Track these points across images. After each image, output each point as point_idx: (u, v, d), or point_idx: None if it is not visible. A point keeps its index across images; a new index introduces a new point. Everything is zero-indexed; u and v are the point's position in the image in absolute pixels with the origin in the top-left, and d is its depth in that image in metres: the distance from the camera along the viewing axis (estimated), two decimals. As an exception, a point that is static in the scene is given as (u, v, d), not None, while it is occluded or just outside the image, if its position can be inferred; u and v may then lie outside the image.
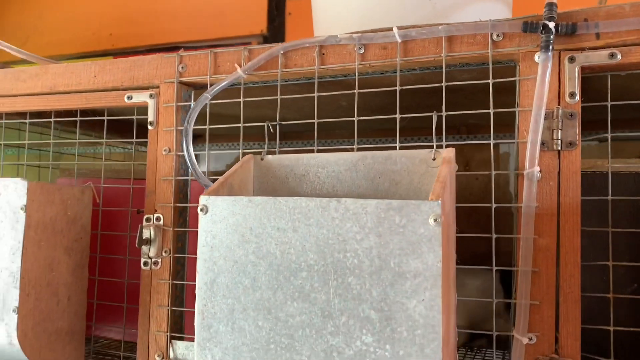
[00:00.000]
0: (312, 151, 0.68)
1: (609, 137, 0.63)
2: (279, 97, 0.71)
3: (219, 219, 0.59)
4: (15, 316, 0.72)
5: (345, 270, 0.54)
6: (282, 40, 1.70)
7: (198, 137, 0.90)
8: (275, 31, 1.73)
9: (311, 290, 0.55)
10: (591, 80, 0.61)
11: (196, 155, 0.76)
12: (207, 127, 0.75)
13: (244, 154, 0.70)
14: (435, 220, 0.51)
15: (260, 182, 0.71)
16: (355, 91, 0.68)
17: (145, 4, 1.91)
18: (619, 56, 0.58)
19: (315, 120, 0.70)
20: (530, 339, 0.59)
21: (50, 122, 0.88)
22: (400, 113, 0.66)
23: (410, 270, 0.51)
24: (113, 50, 1.94)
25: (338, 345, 0.54)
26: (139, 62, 0.80)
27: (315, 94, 0.70)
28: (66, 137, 1.11)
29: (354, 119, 0.68)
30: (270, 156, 0.70)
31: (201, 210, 0.59)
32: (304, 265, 0.55)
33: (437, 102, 0.68)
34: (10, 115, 0.93)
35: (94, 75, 0.82)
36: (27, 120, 0.90)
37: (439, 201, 0.50)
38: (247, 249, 0.58)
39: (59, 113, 0.88)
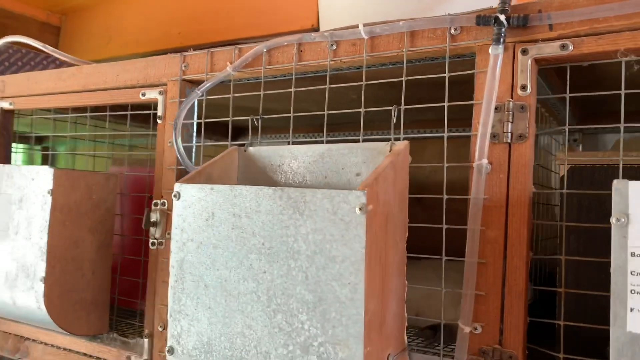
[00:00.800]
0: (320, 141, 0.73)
1: (567, 129, 0.61)
2: (262, 92, 0.77)
3: (189, 204, 0.65)
4: (42, 285, 0.84)
5: (287, 253, 0.58)
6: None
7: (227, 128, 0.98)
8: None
9: (259, 271, 0.60)
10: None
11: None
12: (203, 120, 0.82)
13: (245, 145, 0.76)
14: (360, 209, 0.54)
15: (244, 172, 0.77)
16: (326, 86, 0.72)
17: (210, 3, 2.03)
18: (571, 47, 0.57)
19: (291, 114, 0.75)
20: (475, 329, 0.60)
21: (103, 115, 0.99)
22: (390, 105, 0.68)
23: (339, 255, 0.55)
24: (181, 47, 2.08)
25: (280, 322, 0.58)
26: (151, 62, 0.89)
27: (292, 90, 0.74)
28: (117, 128, 1.24)
29: (324, 112, 0.72)
30: (252, 148, 0.76)
31: (174, 196, 0.66)
32: (254, 249, 0.60)
33: (424, 95, 0.70)
34: (58, 110, 1.06)
35: (116, 74, 0.92)
36: (69, 115, 1.03)
37: (365, 191, 0.53)
38: (209, 232, 0.64)
39: (97, 108, 0.99)
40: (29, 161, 2.07)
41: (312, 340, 0.56)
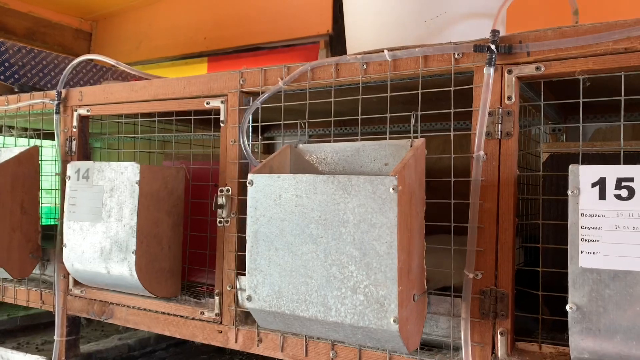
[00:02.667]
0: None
1: (542, 127, 0.83)
2: (307, 101, 0.98)
3: (260, 189, 0.87)
4: (134, 256, 1.06)
5: (338, 223, 0.80)
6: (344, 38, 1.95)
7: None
8: (339, 30, 1.98)
9: (317, 237, 0.82)
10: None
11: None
12: (259, 123, 1.04)
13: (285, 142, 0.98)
14: (393, 189, 0.75)
15: (295, 164, 0.98)
16: (359, 96, 0.93)
17: (232, 10, 2.24)
18: (543, 68, 0.79)
19: (332, 118, 0.97)
20: (476, 276, 0.82)
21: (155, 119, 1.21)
22: (404, 105, 0.90)
23: (377, 223, 0.77)
24: (207, 51, 2.29)
25: (335, 272, 0.80)
26: (214, 77, 1.10)
27: (332, 99, 0.96)
28: (169, 128, 1.45)
29: (358, 117, 0.94)
30: (301, 145, 0.98)
31: (248, 183, 0.88)
32: (313, 220, 0.82)
33: (431, 96, 0.91)
34: (127, 115, 1.28)
35: (183, 87, 1.14)
36: (139, 119, 1.24)
37: (396, 176, 0.75)
38: (277, 209, 0.85)
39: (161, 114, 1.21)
40: (106, 158, 2.28)
41: (359, 284, 0.78)
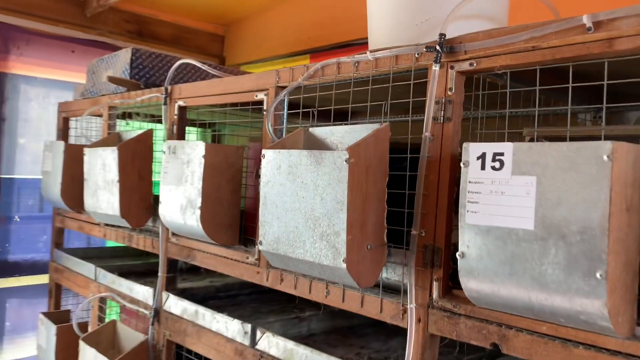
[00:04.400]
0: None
1: (471, 114, 0.99)
2: (317, 94, 1.24)
3: (269, 161, 1.16)
4: (199, 211, 1.41)
5: (314, 186, 1.06)
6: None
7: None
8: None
9: (301, 197, 1.08)
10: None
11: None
12: (284, 110, 1.32)
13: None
14: (346, 161, 0.99)
15: (306, 142, 1.25)
16: (350, 89, 1.17)
17: (330, 13, 2.53)
18: (475, 64, 0.96)
19: (332, 107, 1.21)
20: (421, 233, 1.02)
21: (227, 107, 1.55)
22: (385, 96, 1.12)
23: (336, 187, 1.01)
24: (309, 49, 2.62)
25: (310, 224, 1.06)
26: (261, 75, 1.40)
27: (333, 92, 1.20)
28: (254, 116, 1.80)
29: (349, 106, 1.17)
30: (312, 128, 1.24)
31: (262, 156, 1.17)
32: (299, 184, 1.09)
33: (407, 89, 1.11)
34: (206, 105, 1.65)
35: (242, 83, 1.46)
36: (227, 108, 1.60)
37: (348, 151, 0.98)
38: (279, 176, 1.13)
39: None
40: (202, 139, 2.76)
41: (324, 232, 1.03)
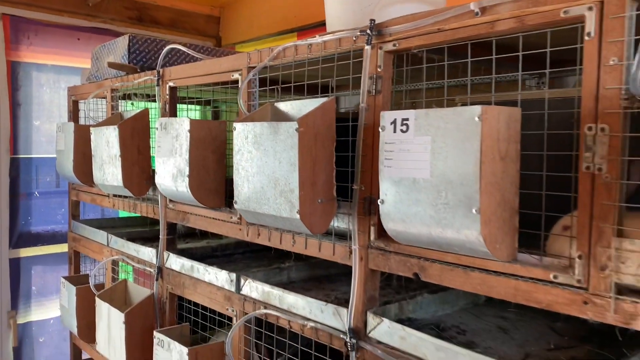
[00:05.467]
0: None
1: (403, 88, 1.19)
2: (280, 73, 1.43)
3: (239, 132, 1.36)
4: (188, 178, 1.63)
5: (273, 152, 1.26)
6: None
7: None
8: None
9: (265, 161, 1.29)
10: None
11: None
12: (255, 89, 1.52)
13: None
14: (296, 130, 1.19)
15: (273, 116, 1.45)
16: (302, 68, 1.36)
17: (315, -9, 2.69)
18: (397, 45, 1.15)
19: (292, 84, 1.41)
20: (361, 187, 1.22)
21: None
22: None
23: (290, 151, 1.21)
24: (296, 27, 2.79)
25: (272, 184, 1.27)
26: (236, 57, 1.60)
27: (292, 71, 1.40)
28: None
29: (304, 82, 1.37)
30: (277, 103, 1.44)
31: (233, 129, 1.37)
32: (262, 151, 1.29)
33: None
34: (195, 85, 1.85)
35: (221, 64, 1.66)
36: (219, 87, 1.80)
37: (296, 121, 1.19)
38: (247, 145, 1.34)
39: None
40: (203, 116, 2.96)
41: (282, 189, 1.24)
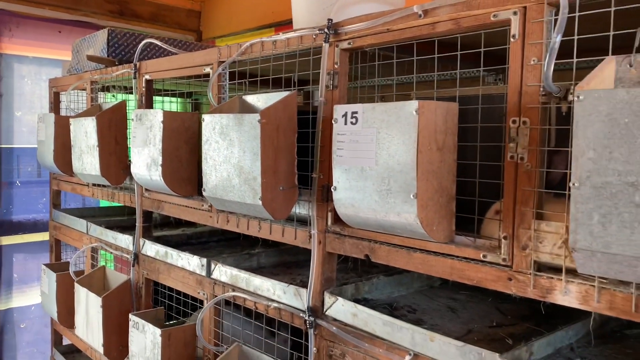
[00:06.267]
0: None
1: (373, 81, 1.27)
2: (248, 67, 1.52)
3: (207, 124, 1.44)
4: (161, 167, 1.71)
5: (238, 142, 1.34)
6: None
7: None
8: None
9: (230, 151, 1.37)
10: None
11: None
12: (224, 82, 1.60)
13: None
14: (258, 121, 1.27)
15: (241, 108, 1.53)
16: (265, 64, 1.44)
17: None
18: (352, 43, 1.23)
19: (259, 78, 1.49)
20: (320, 176, 1.31)
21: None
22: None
23: (253, 141, 1.30)
24: (274, 23, 2.87)
25: (237, 172, 1.35)
26: (207, 52, 1.68)
27: (259, 66, 1.48)
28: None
29: (270, 77, 1.45)
30: (245, 96, 1.52)
31: (202, 120, 1.45)
32: (228, 141, 1.37)
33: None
34: (178, 78, 1.93)
35: (193, 58, 1.73)
36: (192, 80, 1.88)
37: (259, 113, 1.27)
38: (215, 135, 1.42)
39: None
40: (183, 108, 3.03)
41: (247, 177, 1.32)
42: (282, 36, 1.40)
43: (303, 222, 1.40)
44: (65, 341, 2.76)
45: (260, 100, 1.49)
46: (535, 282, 0.94)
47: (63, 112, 2.71)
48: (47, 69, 2.96)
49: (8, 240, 2.98)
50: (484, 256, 1.01)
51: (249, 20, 3.05)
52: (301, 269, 1.81)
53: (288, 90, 1.39)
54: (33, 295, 3.08)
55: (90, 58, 2.24)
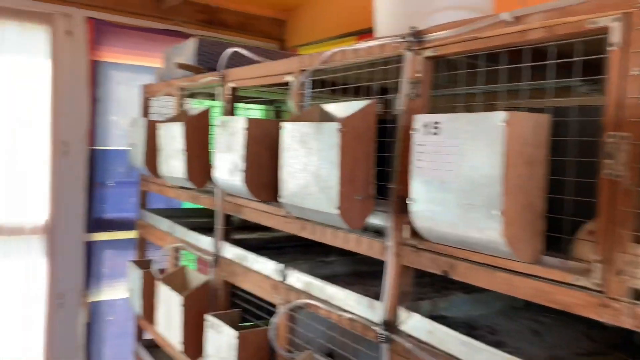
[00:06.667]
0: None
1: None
2: (328, 76, 1.51)
3: (287, 131, 1.45)
4: (243, 173, 1.74)
5: (317, 148, 1.34)
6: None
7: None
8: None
9: (309, 158, 1.37)
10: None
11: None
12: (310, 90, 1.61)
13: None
14: (338, 129, 1.27)
15: (321, 116, 1.53)
16: (339, 73, 1.43)
17: None
18: (436, 51, 1.20)
19: (341, 86, 1.48)
20: (397, 187, 1.28)
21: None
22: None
23: (332, 148, 1.29)
24: (356, 31, 2.86)
25: (314, 179, 1.36)
26: (289, 61, 1.70)
27: (339, 74, 1.47)
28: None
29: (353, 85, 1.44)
30: (323, 104, 1.52)
31: (282, 128, 1.47)
32: (307, 146, 1.38)
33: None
34: (254, 86, 1.97)
35: (275, 67, 1.76)
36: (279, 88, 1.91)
37: (338, 122, 1.26)
38: (295, 143, 1.43)
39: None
40: (265, 115, 3.08)
41: (324, 185, 1.32)
42: (363, 44, 1.39)
43: (379, 232, 1.37)
44: (147, 335, 2.89)
45: (340, 109, 1.48)
46: (632, 311, 0.86)
47: (152, 117, 2.85)
48: (140, 76, 3.12)
49: (100, 236, 3.18)
50: (574, 280, 0.94)
51: (331, 28, 3.07)
52: (375, 279, 1.77)
53: (368, 99, 1.37)
54: (120, 289, 3.25)
55: (180, 66, 2.34)
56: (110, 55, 3.13)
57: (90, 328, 3.23)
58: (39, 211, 3.07)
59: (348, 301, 1.44)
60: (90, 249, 3.19)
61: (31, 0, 2.88)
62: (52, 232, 3.07)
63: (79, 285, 3.15)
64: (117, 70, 3.15)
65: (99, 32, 3.09)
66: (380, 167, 1.32)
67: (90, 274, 3.19)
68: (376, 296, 1.52)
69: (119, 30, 3.13)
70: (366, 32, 2.80)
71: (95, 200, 3.18)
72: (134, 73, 3.18)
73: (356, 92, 1.50)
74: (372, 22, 2.81)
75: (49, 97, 3.01)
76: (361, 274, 1.85)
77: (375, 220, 1.38)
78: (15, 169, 3.00)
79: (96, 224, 3.20)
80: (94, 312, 3.23)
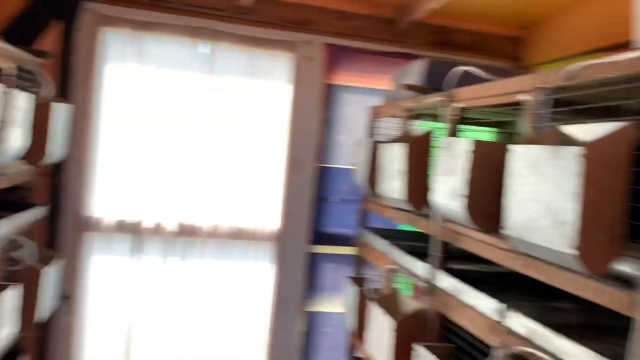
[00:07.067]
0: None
1: None
2: (574, 93, 1.32)
3: (515, 155, 1.30)
4: (465, 199, 1.63)
5: (549, 175, 1.17)
6: None
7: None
8: None
9: (540, 187, 1.21)
10: None
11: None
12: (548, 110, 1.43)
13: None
14: (580, 155, 1.08)
15: (557, 140, 1.34)
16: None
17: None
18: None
19: (585, 106, 1.28)
20: (657, 229, 1.04)
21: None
22: None
23: (570, 183, 1.11)
24: (606, 47, 2.51)
25: (545, 210, 1.18)
26: (522, 78, 1.54)
27: (587, 91, 1.27)
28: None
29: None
30: (562, 126, 1.32)
31: (510, 151, 1.32)
32: (540, 177, 1.21)
33: None
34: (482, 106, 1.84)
35: (506, 86, 1.61)
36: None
37: (581, 147, 1.08)
38: (523, 169, 1.27)
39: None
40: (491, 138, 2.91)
41: (558, 219, 1.14)
42: (624, 56, 1.17)
43: (627, 282, 1.13)
44: (358, 353, 2.92)
45: (584, 131, 1.27)
46: None
47: (378, 138, 2.89)
48: (370, 98, 3.21)
49: (321, 249, 3.34)
50: None
51: (577, 44, 2.75)
52: (615, 336, 1.49)
53: (621, 120, 1.15)
54: (336, 304, 3.36)
55: (406, 86, 2.33)
56: (343, 78, 3.30)
57: (307, 336, 3.40)
58: (272, 220, 3.35)
59: (580, 359, 1.21)
60: (312, 260, 3.37)
61: (279, 30, 3.18)
62: (281, 240, 3.33)
63: (300, 293, 3.35)
64: (348, 93, 3.30)
65: (335, 57, 3.28)
66: (634, 202, 1.09)
67: (310, 284, 3.37)
68: (615, 357, 1.27)
69: (353, 54, 3.28)
70: (621, 47, 2.43)
71: (319, 214, 3.36)
72: (364, 95, 3.29)
73: (607, 114, 1.28)
74: (630, 34, 2.43)
75: (288, 117, 3.29)
76: (598, 327, 1.57)
77: (622, 266, 1.14)
78: (256, 180, 3.34)
79: (319, 236, 3.37)
80: (311, 322, 3.40)
